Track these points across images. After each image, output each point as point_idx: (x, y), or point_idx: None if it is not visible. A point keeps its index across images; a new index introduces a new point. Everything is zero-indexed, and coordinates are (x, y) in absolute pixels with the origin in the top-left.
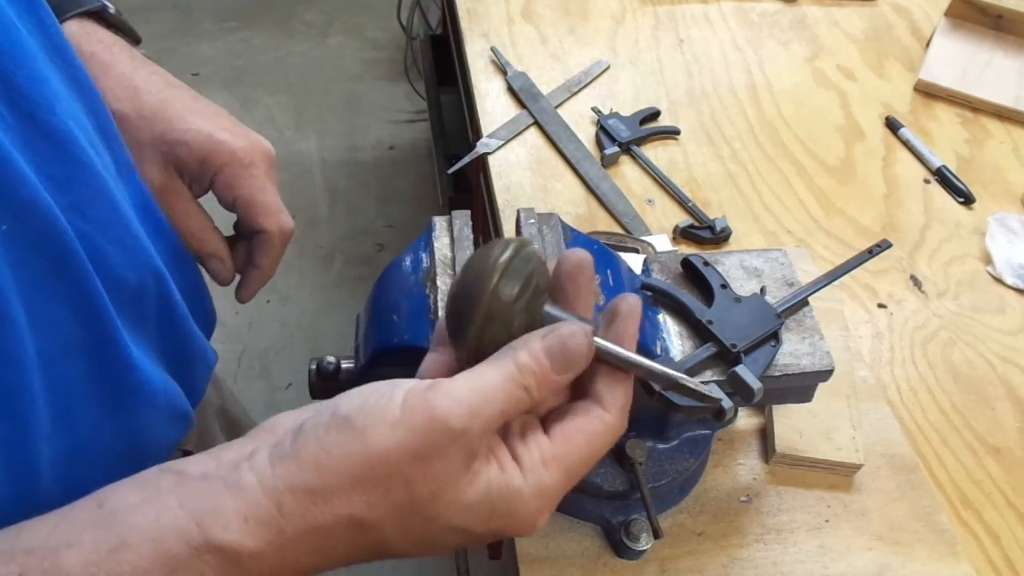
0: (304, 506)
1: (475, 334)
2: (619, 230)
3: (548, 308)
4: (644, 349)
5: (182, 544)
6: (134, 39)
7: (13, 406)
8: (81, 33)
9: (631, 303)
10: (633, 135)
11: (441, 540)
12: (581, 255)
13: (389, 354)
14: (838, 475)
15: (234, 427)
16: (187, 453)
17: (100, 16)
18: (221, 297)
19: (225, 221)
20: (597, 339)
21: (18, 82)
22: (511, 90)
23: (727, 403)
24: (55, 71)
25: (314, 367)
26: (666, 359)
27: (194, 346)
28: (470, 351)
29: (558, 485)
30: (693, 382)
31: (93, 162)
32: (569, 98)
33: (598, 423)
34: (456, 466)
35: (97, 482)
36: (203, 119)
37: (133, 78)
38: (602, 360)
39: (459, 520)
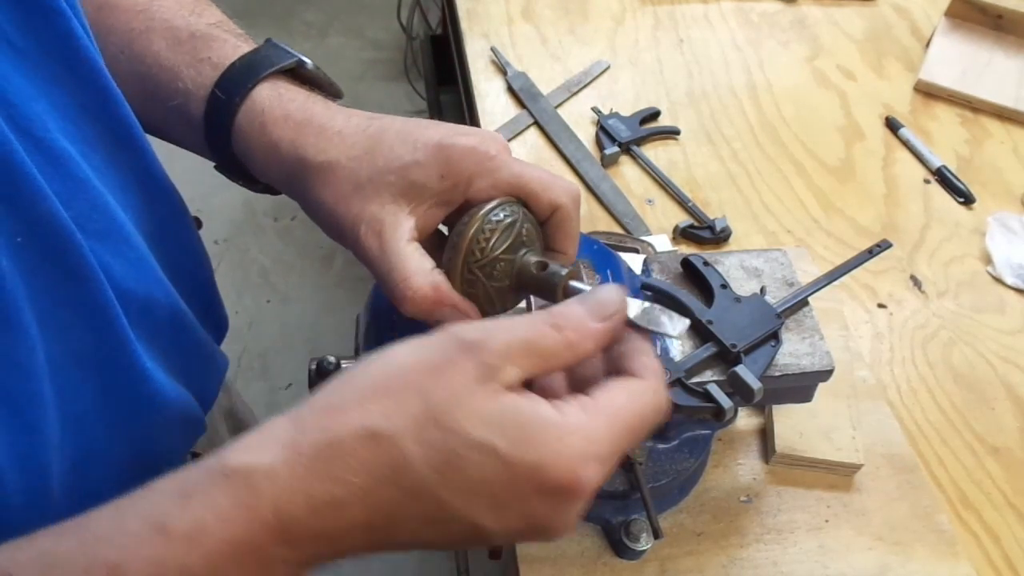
0: (320, 418)
1: (459, 278)
2: (619, 230)
3: (532, 256)
4: None
5: (199, 470)
6: (334, 93)
7: (24, 414)
8: (272, 96)
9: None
10: (633, 135)
11: (468, 462)
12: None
13: None
14: (838, 475)
15: (241, 428)
16: (196, 456)
17: (295, 73)
18: (222, 296)
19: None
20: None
21: (12, 99)
22: (511, 90)
23: (725, 403)
24: (54, 78)
25: (314, 367)
26: (665, 359)
27: (205, 354)
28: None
29: (601, 430)
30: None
31: (89, 177)
32: (569, 98)
33: (636, 383)
34: (471, 376)
35: (108, 491)
36: (422, 132)
37: (333, 124)
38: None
39: (481, 432)
